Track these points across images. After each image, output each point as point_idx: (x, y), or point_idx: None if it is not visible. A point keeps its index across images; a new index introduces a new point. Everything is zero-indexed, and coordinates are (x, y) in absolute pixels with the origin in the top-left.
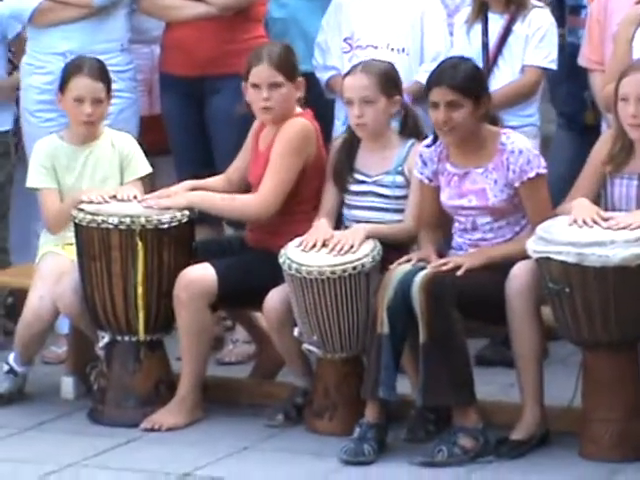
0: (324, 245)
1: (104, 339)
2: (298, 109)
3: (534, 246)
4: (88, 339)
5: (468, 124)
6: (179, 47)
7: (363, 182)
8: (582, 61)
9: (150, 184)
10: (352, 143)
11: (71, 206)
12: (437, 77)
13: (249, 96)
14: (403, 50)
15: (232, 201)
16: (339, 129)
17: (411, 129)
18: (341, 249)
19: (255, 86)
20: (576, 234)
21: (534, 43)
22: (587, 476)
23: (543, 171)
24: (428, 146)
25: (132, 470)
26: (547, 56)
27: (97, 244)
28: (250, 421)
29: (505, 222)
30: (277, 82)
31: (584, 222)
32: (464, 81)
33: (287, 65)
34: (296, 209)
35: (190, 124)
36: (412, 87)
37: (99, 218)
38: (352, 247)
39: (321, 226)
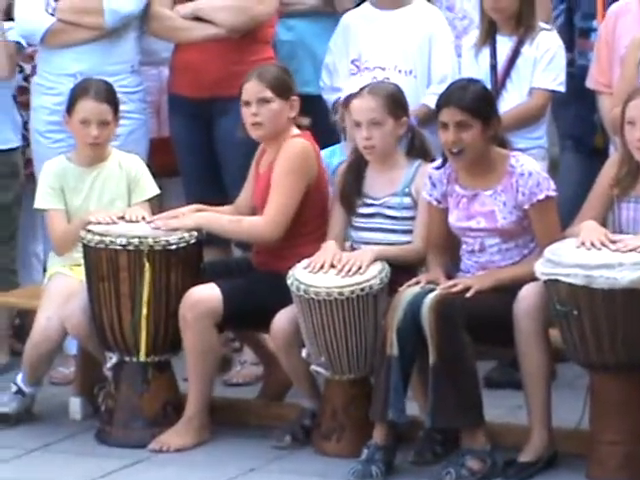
0: (332, 266)
1: (112, 360)
2: (296, 130)
3: (542, 268)
4: (96, 360)
5: (477, 145)
6: (187, 68)
7: (371, 205)
8: (590, 83)
9: (158, 206)
10: (359, 165)
11: (79, 227)
12: (446, 98)
13: (243, 115)
14: (410, 72)
15: (239, 223)
16: (335, 153)
17: (418, 150)
18: (349, 270)
19: (246, 104)
20: (584, 256)
21: (542, 66)
22: None
23: (552, 194)
24: (437, 168)
25: None
26: (555, 79)
27: (105, 265)
28: (257, 442)
29: (513, 244)
30: (266, 97)
31: (592, 244)
32: (473, 102)
33: (277, 82)
34: (300, 231)
35: (198, 145)
36: (419, 110)
37: (107, 239)
38: (360, 268)
39: (329, 247)
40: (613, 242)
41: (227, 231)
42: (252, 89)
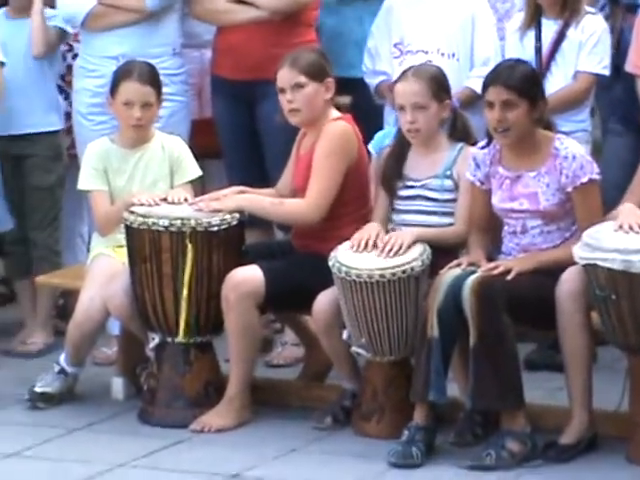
0: (375, 246)
1: (154, 340)
2: (337, 113)
3: (580, 252)
4: (138, 340)
5: (523, 125)
6: (230, 51)
7: (412, 187)
8: (629, 67)
9: (200, 187)
10: (402, 148)
11: (122, 209)
12: (493, 77)
13: (280, 102)
14: (453, 55)
15: (281, 205)
16: (390, 135)
17: (460, 133)
18: (390, 250)
19: (281, 91)
20: (623, 240)
21: (587, 49)
22: (634, 478)
23: (596, 177)
24: (482, 148)
25: (180, 471)
26: (600, 62)
27: (148, 246)
28: (298, 423)
29: (555, 227)
30: (299, 82)
31: (630, 228)
32: (520, 81)
33: (309, 65)
34: (341, 212)
35: (240, 127)
36: (462, 93)
37: (150, 220)
38: (401, 248)
39: (372, 226)
40: None
41: (269, 213)
42: (285, 76)
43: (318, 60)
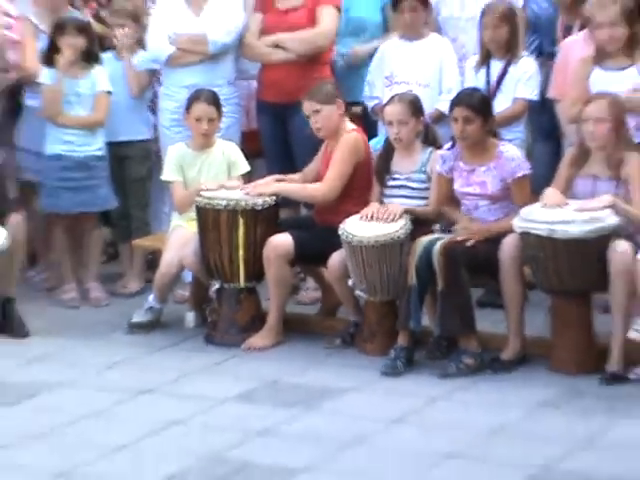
0: (376, 218)
1: (215, 286)
2: (351, 125)
3: (517, 224)
4: (204, 286)
5: (477, 134)
6: (269, 82)
7: (397, 179)
8: (550, 94)
9: (248, 179)
10: (389, 151)
11: (193, 194)
12: (458, 100)
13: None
14: (427, 85)
15: (304, 189)
16: (381, 141)
17: (430, 141)
18: (387, 217)
19: (307, 117)
20: (547, 215)
21: (523, 82)
22: (554, 382)
23: (528, 172)
24: (448, 149)
25: (234, 377)
26: (532, 91)
27: (211, 220)
28: (317, 344)
29: (498, 206)
30: (316, 109)
31: (550, 206)
32: (477, 103)
33: (322, 95)
34: (350, 194)
35: (277, 136)
36: (433, 113)
37: (213, 202)
38: (395, 216)
39: (373, 204)
40: (567, 204)
41: (296, 195)
42: (306, 107)
43: (329, 89)
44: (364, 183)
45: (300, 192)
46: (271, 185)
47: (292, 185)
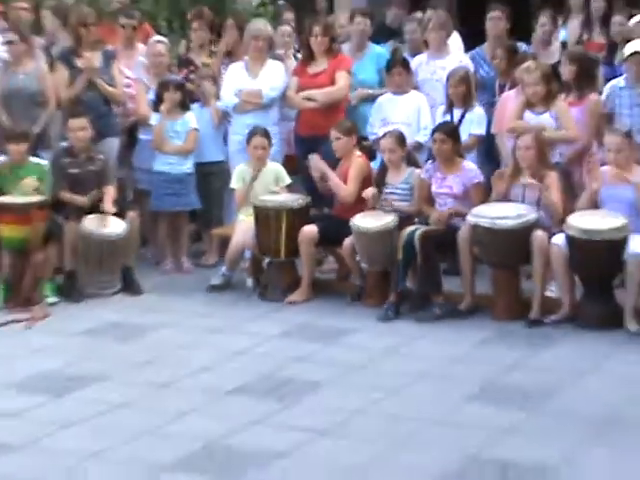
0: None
1: (266, 260)
2: (358, 152)
3: (470, 218)
4: (259, 260)
5: (449, 153)
6: (303, 122)
7: (389, 188)
8: (492, 130)
9: (288, 190)
10: (384, 170)
11: (245, 197)
12: (438, 127)
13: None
14: (409, 125)
15: (340, 185)
16: (377, 163)
17: (412, 163)
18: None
19: (331, 141)
20: (490, 212)
21: (475, 123)
22: (494, 326)
23: (481, 180)
24: (430, 163)
25: (279, 321)
26: (480, 129)
27: (264, 216)
28: (335, 301)
29: (460, 203)
30: (337, 137)
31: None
32: (449, 130)
33: (343, 128)
34: (358, 199)
35: (307, 159)
36: (414, 143)
37: (266, 203)
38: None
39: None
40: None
41: (334, 184)
42: (332, 134)
43: (349, 125)
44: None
45: (338, 184)
46: (327, 169)
47: (336, 178)
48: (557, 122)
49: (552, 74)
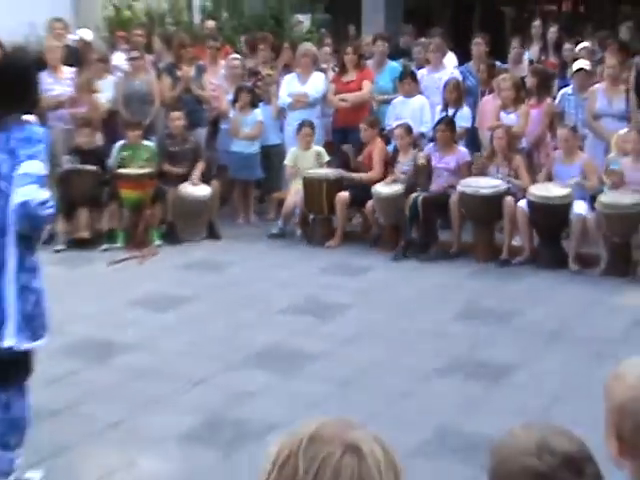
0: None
1: (311, 216)
2: (379, 138)
3: (459, 187)
4: (306, 216)
5: (448, 139)
6: (339, 116)
7: (399, 164)
8: (476, 124)
9: (328, 164)
10: (397, 152)
11: (293, 170)
12: (439, 120)
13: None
14: (415, 120)
15: (362, 177)
16: (392, 147)
17: (415, 146)
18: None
19: (360, 131)
20: (473, 183)
21: (464, 119)
22: (474, 265)
23: (469, 159)
24: (432, 146)
25: (320, 260)
26: (467, 124)
27: (309, 184)
28: (360, 245)
29: (452, 175)
30: (365, 128)
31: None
32: (449, 122)
33: (368, 122)
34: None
35: (341, 144)
36: (418, 134)
37: (312, 175)
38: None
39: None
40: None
41: (358, 179)
42: (361, 126)
43: (373, 119)
44: (385, 167)
45: (369, 177)
46: (357, 176)
47: (365, 176)
48: (517, 120)
49: (521, 84)
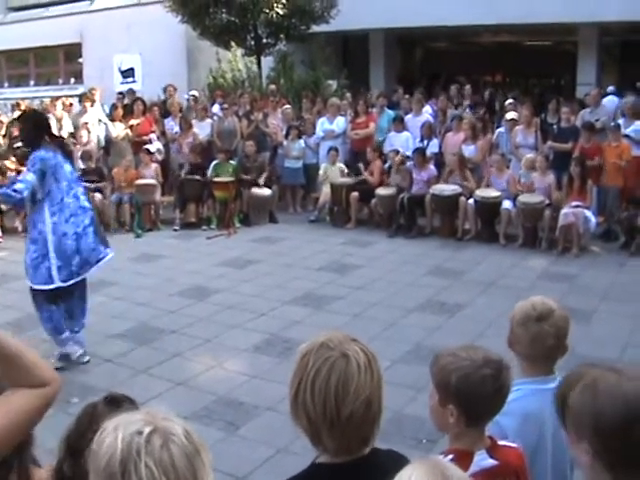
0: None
1: (335, 208)
2: (378, 158)
3: (431, 191)
4: (332, 208)
5: (422, 161)
6: (354, 143)
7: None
8: (442, 150)
9: (347, 174)
10: (390, 168)
11: (323, 179)
12: (415, 150)
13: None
14: (403, 147)
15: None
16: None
17: (403, 164)
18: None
19: (369, 152)
20: (439, 188)
21: (434, 147)
22: (441, 240)
23: (436, 174)
24: (412, 165)
25: (342, 237)
26: (436, 150)
27: (334, 188)
28: (367, 228)
29: (426, 186)
30: (370, 152)
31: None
32: (422, 151)
33: (373, 147)
34: (380, 183)
35: (355, 162)
36: (404, 156)
37: (335, 182)
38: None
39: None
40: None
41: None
42: (368, 150)
43: (375, 146)
44: (382, 178)
45: (373, 182)
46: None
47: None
48: (475, 152)
49: (475, 124)
